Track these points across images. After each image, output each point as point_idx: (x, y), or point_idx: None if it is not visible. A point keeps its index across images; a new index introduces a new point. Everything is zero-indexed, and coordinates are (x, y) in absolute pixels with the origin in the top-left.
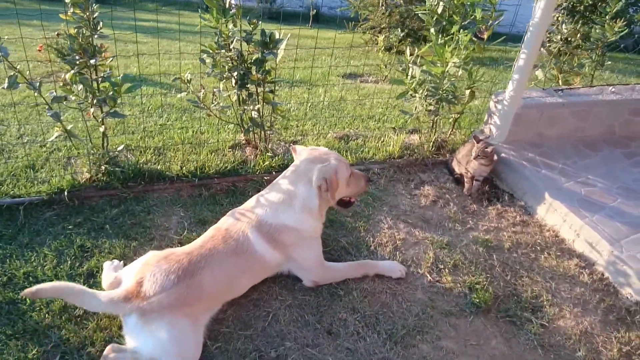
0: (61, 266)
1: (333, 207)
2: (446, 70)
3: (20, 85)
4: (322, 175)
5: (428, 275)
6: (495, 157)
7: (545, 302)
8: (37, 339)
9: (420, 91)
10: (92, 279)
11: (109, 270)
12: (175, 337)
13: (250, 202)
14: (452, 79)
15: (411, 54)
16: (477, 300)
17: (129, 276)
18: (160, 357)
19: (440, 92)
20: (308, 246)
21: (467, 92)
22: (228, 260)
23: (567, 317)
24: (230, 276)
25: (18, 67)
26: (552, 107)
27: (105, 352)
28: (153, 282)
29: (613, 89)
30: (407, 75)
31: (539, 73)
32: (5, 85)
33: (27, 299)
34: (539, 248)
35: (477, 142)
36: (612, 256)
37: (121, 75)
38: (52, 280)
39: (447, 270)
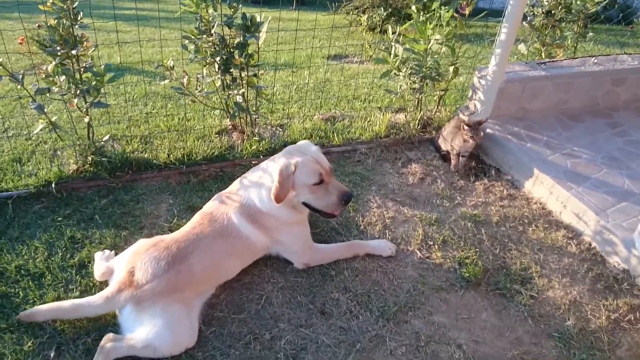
0: (52, 258)
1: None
2: (429, 47)
3: (2, 78)
4: (278, 170)
5: (418, 252)
6: (481, 134)
7: (534, 274)
8: (32, 331)
9: (404, 69)
10: (83, 269)
11: (101, 260)
12: (170, 322)
13: (235, 185)
14: (435, 56)
15: (393, 32)
16: (467, 275)
17: (120, 266)
18: (156, 344)
19: (424, 69)
20: (291, 231)
21: (451, 68)
22: (215, 243)
23: (556, 288)
24: (219, 259)
25: (0, 60)
26: (535, 81)
27: (102, 342)
28: (144, 270)
29: (595, 60)
30: (390, 53)
31: (522, 47)
32: None
33: (20, 292)
34: (526, 221)
35: (468, 125)
36: (599, 226)
37: (103, 64)
38: (44, 273)
39: (436, 247)
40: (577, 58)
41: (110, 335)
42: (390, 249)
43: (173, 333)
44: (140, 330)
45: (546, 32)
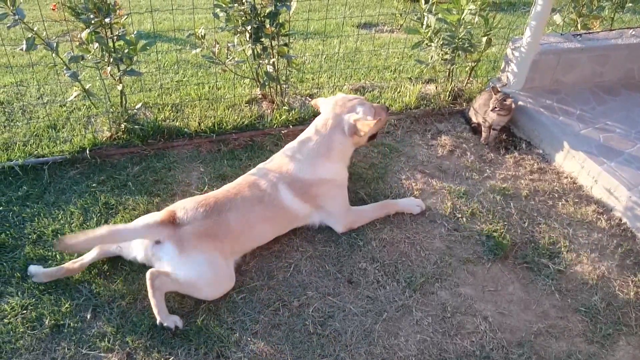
0: (87, 223)
1: (364, 145)
2: (462, 17)
3: (37, 46)
4: (354, 122)
5: (446, 224)
6: (513, 106)
7: (562, 248)
8: (69, 294)
9: (436, 40)
10: None
11: None
12: (210, 262)
13: (280, 157)
14: (468, 27)
15: (426, 2)
16: (495, 248)
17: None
18: (199, 283)
19: (456, 40)
20: (338, 193)
21: (484, 39)
22: (253, 208)
23: (585, 263)
24: (254, 222)
25: (35, 29)
26: (570, 53)
27: (149, 278)
28: (185, 212)
29: (633, 32)
30: (422, 24)
31: (557, 18)
32: (24, 47)
33: (57, 255)
34: (556, 195)
35: (495, 94)
36: (630, 201)
37: (135, 32)
38: None
39: (464, 219)
40: (614, 30)
41: (154, 270)
42: (419, 205)
43: (213, 273)
44: (183, 267)
45: (583, 3)
